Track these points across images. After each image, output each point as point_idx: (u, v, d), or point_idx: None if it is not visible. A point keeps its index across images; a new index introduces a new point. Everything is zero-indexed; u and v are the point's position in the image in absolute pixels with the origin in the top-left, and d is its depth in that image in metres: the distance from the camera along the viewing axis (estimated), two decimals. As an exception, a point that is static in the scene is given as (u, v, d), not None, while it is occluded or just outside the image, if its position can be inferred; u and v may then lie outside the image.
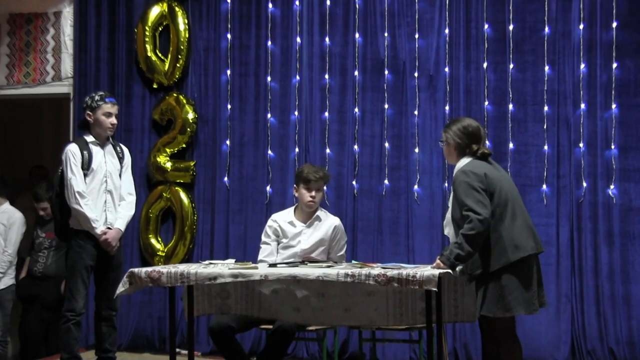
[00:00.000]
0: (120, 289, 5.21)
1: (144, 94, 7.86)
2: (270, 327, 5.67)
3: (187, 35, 7.71)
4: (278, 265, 5.20)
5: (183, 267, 5.18)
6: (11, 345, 7.82)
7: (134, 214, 6.33)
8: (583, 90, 6.82)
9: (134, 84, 7.87)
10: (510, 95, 6.96)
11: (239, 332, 5.77)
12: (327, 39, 7.37)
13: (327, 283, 5.11)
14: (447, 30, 7.11)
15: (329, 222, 5.90)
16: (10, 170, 9.65)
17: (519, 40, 6.97)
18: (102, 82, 7.88)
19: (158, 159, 7.65)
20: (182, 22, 7.72)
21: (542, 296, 4.92)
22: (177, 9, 7.74)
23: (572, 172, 6.83)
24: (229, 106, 7.61)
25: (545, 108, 6.89)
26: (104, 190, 6.05)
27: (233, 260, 5.60)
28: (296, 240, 5.86)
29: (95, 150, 6.05)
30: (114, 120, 6.10)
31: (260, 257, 5.87)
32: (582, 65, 6.82)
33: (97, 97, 6.07)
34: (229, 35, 7.63)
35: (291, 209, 5.99)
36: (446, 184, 6.99)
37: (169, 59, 7.72)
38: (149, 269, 5.18)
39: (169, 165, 7.63)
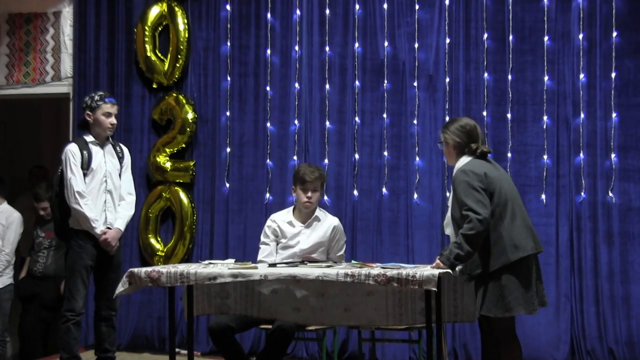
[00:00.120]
0: (120, 288, 5.21)
1: (144, 94, 7.86)
2: (270, 327, 5.66)
3: (186, 35, 7.71)
4: (278, 265, 5.20)
5: (182, 267, 5.18)
6: (10, 345, 7.82)
7: (134, 214, 6.33)
8: (582, 90, 6.82)
9: (133, 84, 7.87)
10: (510, 96, 6.96)
11: (239, 332, 5.77)
12: (327, 39, 7.37)
13: (327, 283, 5.11)
14: (446, 31, 7.11)
15: (327, 223, 5.90)
16: (10, 170, 9.65)
17: (519, 40, 6.97)
18: (101, 82, 7.88)
19: (158, 159, 7.65)
20: (181, 22, 7.72)
21: (542, 295, 4.92)
22: (176, 9, 7.74)
23: (572, 172, 6.83)
24: (228, 106, 7.61)
25: (545, 108, 6.89)
26: (103, 190, 6.05)
27: (232, 260, 5.60)
28: (295, 241, 5.86)
29: (95, 150, 6.05)
30: (113, 120, 6.10)
31: (259, 258, 5.87)
32: (582, 65, 6.82)
33: (96, 97, 6.08)
34: (228, 35, 7.63)
35: (290, 209, 5.99)
36: (445, 184, 6.99)
37: (168, 59, 7.72)
38: (149, 268, 5.18)
39: (168, 165, 7.64)
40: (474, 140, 5.00)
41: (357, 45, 7.30)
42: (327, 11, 7.38)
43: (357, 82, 7.29)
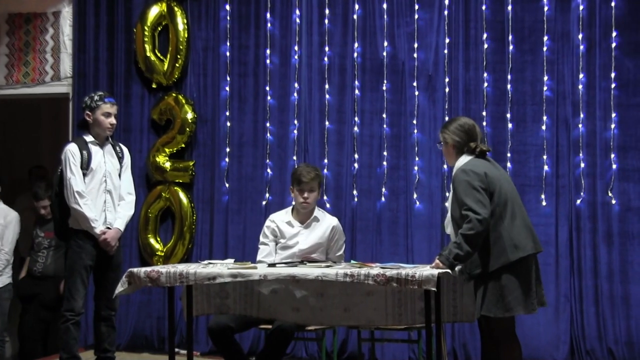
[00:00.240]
0: (120, 288, 5.21)
1: (143, 94, 7.86)
2: (270, 327, 5.67)
3: (186, 35, 7.71)
4: (277, 265, 5.20)
5: (182, 267, 5.17)
6: (10, 345, 7.82)
7: (133, 214, 6.33)
8: (582, 91, 6.82)
9: (133, 84, 7.87)
10: (509, 96, 6.96)
11: (238, 332, 5.77)
12: (326, 39, 7.37)
13: (326, 283, 5.11)
14: (446, 31, 7.11)
15: (326, 223, 5.90)
16: (10, 170, 9.65)
17: (518, 40, 6.97)
18: (101, 82, 7.88)
19: (157, 159, 7.65)
20: (181, 22, 7.72)
21: (541, 295, 4.92)
22: (176, 9, 7.74)
23: (571, 172, 6.83)
24: (228, 106, 7.61)
25: (544, 108, 6.89)
26: (103, 190, 6.05)
27: (232, 260, 5.59)
28: (294, 241, 5.86)
29: (95, 150, 6.05)
30: (113, 120, 6.10)
31: (259, 258, 5.87)
32: (581, 66, 6.83)
33: (96, 97, 6.08)
34: (228, 35, 7.63)
35: (289, 209, 6.00)
36: (445, 184, 6.99)
37: (168, 59, 7.72)
38: (148, 268, 5.18)
39: (168, 165, 7.64)
40: (473, 139, 5.00)
41: (356, 45, 7.30)
42: (327, 11, 7.38)
43: (356, 82, 7.29)
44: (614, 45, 6.76)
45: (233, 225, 7.52)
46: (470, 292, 4.99)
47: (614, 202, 6.73)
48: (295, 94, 7.42)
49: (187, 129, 7.64)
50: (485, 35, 7.03)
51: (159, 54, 7.78)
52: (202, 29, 7.74)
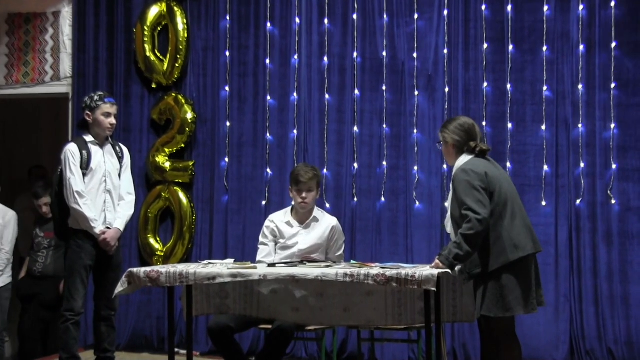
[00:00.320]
0: (119, 288, 5.21)
1: (143, 94, 7.86)
2: (269, 327, 5.66)
3: (185, 35, 7.71)
4: (277, 265, 5.20)
5: (182, 267, 5.17)
6: (10, 345, 7.82)
7: (133, 214, 6.33)
8: (582, 91, 6.82)
9: (132, 84, 7.87)
10: (509, 95, 6.96)
11: (238, 332, 5.76)
12: (325, 38, 7.37)
13: (326, 283, 5.11)
14: (445, 30, 7.11)
15: (326, 223, 5.90)
16: (10, 170, 9.66)
17: (518, 40, 6.97)
18: (100, 82, 7.89)
19: (157, 159, 7.65)
20: (180, 22, 7.72)
21: (540, 295, 4.92)
22: (175, 8, 7.74)
23: (571, 172, 6.83)
24: (227, 106, 7.61)
25: (544, 107, 6.89)
26: (103, 189, 6.05)
27: (232, 260, 5.59)
28: (293, 241, 5.86)
29: (95, 150, 6.05)
30: (113, 120, 6.10)
31: (258, 258, 5.87)
32: (581, 65, 6.83)
33: (96, 97, 6.08)
34: (227, 35, 7.63)
35: (288, 210, 5.99)
36: (445, 184, 6.99)
37: (167, 59, 7.72)
38: (148, 268, 5.18)
39: (167, 165, 7.64)
40: (473, 138, 5.00)
41: (356, 45, 7.30)
42: (327, 11, 7.38)
43: (356, 82, 7.29)
44: (613, 45, 6.76)
45: (233, 225, 7.52)
46: (470, 292, 4.99)
47: (613, 202, 6.73)
48: (295, 94, 7.42)
49: (187, 129, 7.64)
50: (485, 35, 7.03)
51: (158, 54, 7.78)
52: (202, 29, 7.74)
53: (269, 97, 7.50)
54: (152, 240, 7.68)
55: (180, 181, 7.66)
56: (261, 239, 5.95)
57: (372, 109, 7.27)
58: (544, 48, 6.90)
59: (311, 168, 5.90)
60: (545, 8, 6.91)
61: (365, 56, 7.29)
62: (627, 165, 6.74)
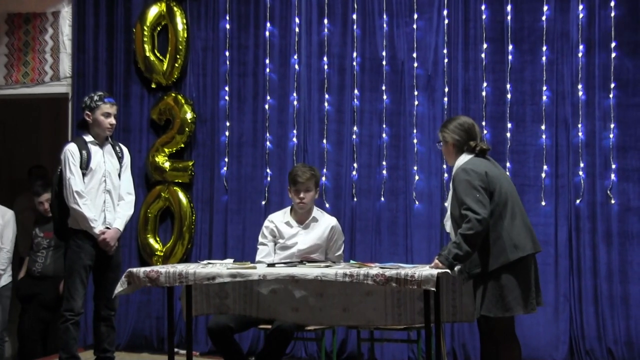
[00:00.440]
0: (119, 288, 5.21)
1: (143, 94, 7.86)
2: (269, 327, 5.66)
3: (185, 35, 7.71)
4: (276, 265, 5.19)
5: (181, 267, 5.17)
6: (10, 345, 7.82)
7: (133, 214, 6.33)
8: (581, 90, 6.82)
9: (132, 84, 7.87)
10: (509, 95, 6.96)
11: (238, 332, 5.76)
12: (325, 38, 7.37)
13: (326, 283, 5.11)
14: (445, 29, 7.11)
15: (325, 223, 5.90)
16: (9, 170, 9.66)
17: (518, 39, 6.97)
18: (100, 82, 7.88)
19: (156, 159, 7.65)
20: (180, 22, 7.72)
21: (539, 295, 4.93)
22: (175, 8, 7.74)
23: (571, 172, 6.83)
24: (227, 106, 7.61)
25: (544, 107, 6.89)
26: (102, 189, 6.05)
27: (231, 260, 5.59)
28: (293, 241, 5.85)
29: (94, 150, 6.05)
30: (112, 120, 6.10)
31: (258, 258, 5.86)
32: (581, 65, 6.83)
33: (96, 97, 6.08)
34: (227, 35, 7.63)
35: (287, 210, 5.99)
36: (444, 184, 6.99)
37: (167, 59, 7.72)
38: (148, 268, 5.18)
39: (167, 165, 7.63)
40: (473, 137, 5.00)
41: (355, 45, 7.30)
42: (326, 11, 7.38)
43: (355, 82, 7.29)
44: (613, 45, 6.76)
45: (232, 225, 7.52)
46: (470, 292, 4.99)
47: (613, 202, 6.73)
48: (295, 94, 7.42)
49: (187, 129, 7.64)
50: (484, 35, 7.03)
51: (158, 54, 7.78)
52: (202, 29, 7.74)
53: (268, 97, 7.50)
54: (151, 240, 7.68)
55: (180, 181, 7.66)
56: (260, 239, 5.95)
57: (371, 109, 7.27)
58: (544, 48, 6.90)
59: (309, 168, 5.89)
60: (545, 8, 6.91)
61: (365, 56, 7.29)
62: (627, 165, 6.74)
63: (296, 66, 7.43)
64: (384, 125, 7.21)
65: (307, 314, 5.49)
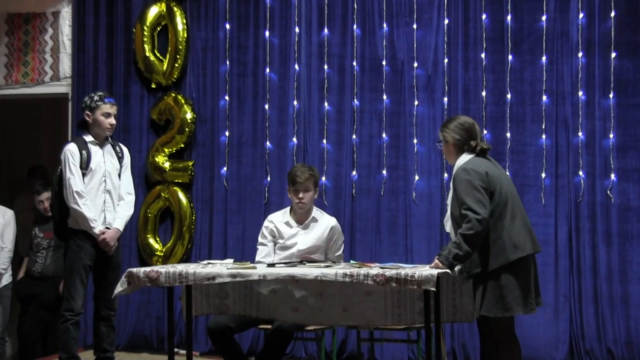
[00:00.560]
0: (119, 288, 5.21)
1: (142, 94, 7.86)
2: (269, 327, 5.66)
3: (185, 35, 7.71)
4: (276, 265, 5.19)
5: (181, 267, 5.17)
6: (10, 345, 7.82)
7: (133, 214, 6.33)
8: (581, 90, 6.83)
9: (132, 84, 7.87)
10: (509, 95, 6.97)
11: (238, 332, 5.76)
12: (325, 39, 7.37)
13: (326, 283, 5.11)
14: (445, 30, 7.11)
15: (325, 223, 5.89)
16: (9, 170, 9.65)
17: (517, 40, 6.97)
18: (100, 82, 7.88)
19: (156, 159, 7.65)
20: (180, 22, 7.72)
21: (538, 295, 4.92)
22: (175, 9, 7.74)
23: (570, 172, 6.83)
24: (227, 106, 7.61)
25: (544, 107, 6.90)
26: (102, 190, 6.05)
27: (231, 260, 5.59)
28: (292, 241, 5.85)
29: (94, 150, 6.05)
30: (112, 120, 6.10)
31: (257, 258, 5.86)
32: (581, 65, 6.83)
33: (96, 98, 6.08)
34: (227, 35, 7.63)
35: (287, 210, 5.99)
36: (444, 184, 7.00)
37: (167, 59, 7.72)
38: (148, 268, 5.18)
39: (167, 165, 7.63)
40: (473, 137, 5.00)
41: (355, 46, 7.30)
42: (326, 11, 7.37)
43: (355, 83, 7.29)
44: (613, 45, 6.76)
45: (232, 225, 7.52)
46: (470, 292, 4.99)
47: (613, 201, 6.73)
48: (295, 95, 7.42)
49: (187, 129, 7.64)
50: (484, 36, 7.03)
51: (158, 54, 7.78)
52: (202, 29, 7.74)
53: (268, 97, 7.50)
54: (151, 240, 7.68)
55: (180, 181, 7.66)
56: (260, 239, 5.95)
57: (371, 109, 7.27)
58: (544, 48, 6.90)
59: (308, 168, 5.89)
60: (545, 9, 6.91)
61: (365, 56, 7.29)
62: (627, 165, 6.74)
63: (296, 66, 7.43)
64: (384, 126, 7.21)
65: (307, 314, 5.49)
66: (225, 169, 7.58)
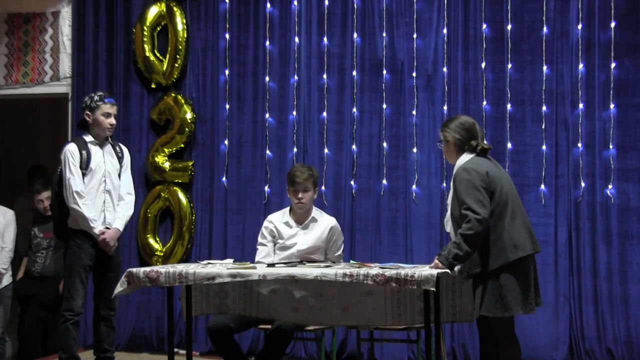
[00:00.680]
0: (119, 288, 5.21)
1: (142, 94, 7.86)
2: (269, 327, 5.67)
3: (185, 35, 7.71)
4: (276, 265, 5.20)
5: (181, 267, 5.17)
6: (10, 345, 7.81)
7: (132, 214, 6.33)
8: (581, 90, 6.83)
9: (132, 84, 7.87)
10: (509, 95, 6.97)
11: (237, 332, 5.77)
12: (325, 39, 7.37)
13: (325, 283, 5.11)
14: (445, 30, 7.11)
15: (324, 223, 5.89)
16: (9, 170, 9.65)
17: (517, 40, 6.97)
18: (100, 82, 7.88)
19: (156, 159, 7.65)
20: (180, 22, 7.72)
21: (538, 296, 4.92)
22: (175, 9, 7.74)
23: (570, 172, 6.83)
24: (227, 106, 7.61)
25: (544, 108, 6.90)
26: (102, 190, 6.05)
27: (231, 260, 5.60)
28: (292, 241, 5.85)
29: (94, 150, 6.05)
30: (112, 120, 6.10)
31: (257, 259, 5.86)
32: (581, 65, 6.83)
33: (96, 98, 6.08)
34: (227, 35, 7.63)
35: (287, 210, 5.99)
36: (444, 184, 7.00)
37: (167, 59, 7.72)
38: (148, 268, 5.18)
39: (167, 165, 7.63)
40: (474, 137, 5.00)
41: (355, 44, 7.30)
42: (326, 10, 7.37)
43: (355, 82, 7.29)
44: (613, 45, 6.76)
45: (232, 225, 7.52)
46: (470, 292, 4.99)
47: (613, 201, 6.73)
48: (295, 95, 7.42)
49: (186, 129, 7.64)
50: (484, 36, 7.03)
51: (158, 54, 7.78)
52: (202, 29, 7.74)
53: (268, 97, 7.50)
54: (151, 240, 7.68)
55: (180, 181, 7.66)
56: (260, 239, 5.95)
57: (371, 108, 7.27)
58: (544, 48, 6.90)
59: (307, 168, 5.89)
60: (545, 8, 6.91)
61: (365, 56, 7.29)
62: (627, 165, 6.74)
63: (295, 67, 7.42)
64: (384, 126, 7.21)
65: (307, 314, 5.49)
66: (225, 168, 7.58)
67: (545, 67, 6.90)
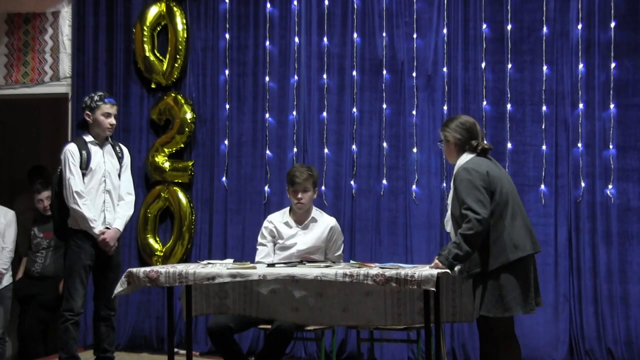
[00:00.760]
0: (119, 288, 5.21)
1: (142, 94, 7.86)
2: (269, 327, 5.66)
3: (185, 35, 7.71)
4: (276, 265, 5.20)
5: (181, 267, 5.17)
6: (10, 345, 7.81)
7: (132, 214, 6.33)
8: (581, 90, 6.83)
9: (132, 84, 7.87)
10: (509, 95, 6.97)
11: (237, 332, 5.76)
12: (325, 39, 7.37)
13: (325, 283, 5.11)
14: (445, 30, 7.11)
15: (324, 223, 5.89)
16: (9, 170, 9.65)
17: (517, 40, 6.97)
18: (100, 82, 7.88)
19: (156, 159, 7.65)
20: (180, 22, 7.72)
21: (538, 296, 4.92)
22: (175, 9, 7.74)
23: (570, 172, 6.83)
24: (227, 106, 7.61)
25: (544, 108, 6.90)
26: (102, 190, 6.05)
27: (231, 260, 5.60)
28: (292, 242, 5.85)
29: (94, 150, 6.05)
30: (112, 120, 6.10)
31: (257, 259, 5.86)
32: (581, 65, 6.83)
33: (96, 98, 6.08)
34: (227, 35, 7.63)
35: (286, 210, 5.99)
36: (444, 184, 7.00)
37: (167, 59, 7.72)
38: (147, 268, 5.18)
39: (167, 165, 7.63)
40: (474, 137, 4.99)
41: (355, 44, 7.30)
42: (326, 9, 7.37)
43: (355, 82, 7.29)
44: (613, 45, 6.76)
45: (232, 225, 7.52)
46: (470, 292, 4.99)
47: (613, 202, 6.73)
48: (295, 95, 7.42)
49: (186, 129, 7.64)
50: (484, 35, 7.03)
51: (158, 54, 7.78)
52: (202, 29, 7.74)
53: (268, 97, 7.50)
54: (151, 240, 7.68)
55: (180, 181, 7.66)
56: (260, 239, 5.95)
57: (371, 108, 7.27)
58: (544, 48, 6.90)
59: (307, 168, 5.89)
60: (545, 8, 6.91)
61: (365, 56, 7.29)
62: (627, 165, 6.74)
63: (295, 67, 7.42)
64: (384, 126, 7.21)
65: (307, 314, 5.49)
66: (225, 168, 7.58)
67: (545, 67, 6.90)
